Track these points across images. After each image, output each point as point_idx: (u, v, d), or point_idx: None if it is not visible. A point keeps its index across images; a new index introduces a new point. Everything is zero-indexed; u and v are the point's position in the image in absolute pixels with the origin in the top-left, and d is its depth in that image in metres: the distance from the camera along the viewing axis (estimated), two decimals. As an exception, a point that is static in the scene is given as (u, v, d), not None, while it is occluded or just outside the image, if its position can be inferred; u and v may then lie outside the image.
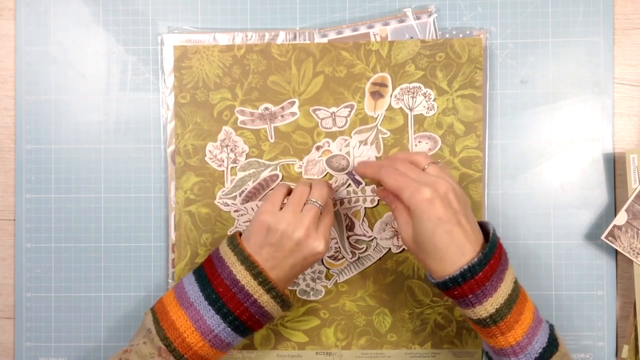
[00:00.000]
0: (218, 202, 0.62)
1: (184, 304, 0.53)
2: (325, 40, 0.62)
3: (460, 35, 0.62)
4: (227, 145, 0.62)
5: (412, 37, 0.62)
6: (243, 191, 0.62)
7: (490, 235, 0.50)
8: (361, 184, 0.62)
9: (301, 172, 0.62)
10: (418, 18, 0.62)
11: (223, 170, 0.62)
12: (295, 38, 0.63)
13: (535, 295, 0.62)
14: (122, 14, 0.64)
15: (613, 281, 0.62)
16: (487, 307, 0.48)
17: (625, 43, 0.62)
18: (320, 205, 0.55)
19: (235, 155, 0.62)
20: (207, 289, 0.53)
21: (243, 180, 0.62)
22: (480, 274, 0.47)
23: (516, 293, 0.50)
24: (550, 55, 0.62)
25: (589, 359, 0.62)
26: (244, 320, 0.53)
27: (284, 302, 0.54)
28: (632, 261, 0.60)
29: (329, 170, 0.62)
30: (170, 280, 0.63)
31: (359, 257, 0.62)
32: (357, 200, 0.62)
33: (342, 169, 0.62)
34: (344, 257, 0.62)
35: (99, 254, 0.64)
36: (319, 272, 0.62)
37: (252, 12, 0.64)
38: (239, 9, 0.64)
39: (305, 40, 0.62)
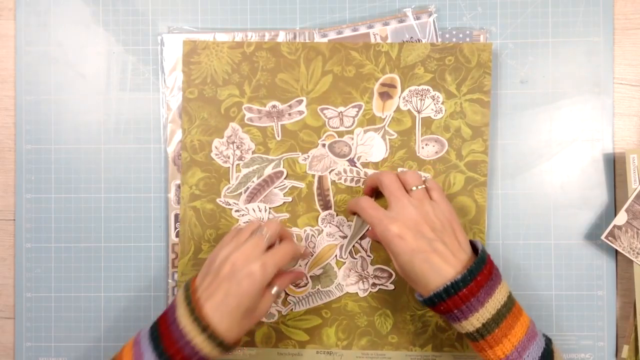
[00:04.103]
0: (220, 202, 0.62)
1: (135, 340, 0.52)
2: (325, 40, 0.62)
3: (460, 35, 0.62)
4: (233, 142, 0.62)
5: (412, 37, 0.62)
6: (248, 188, 0.62)
7: (479, 252, 0.52)
8: (361, 172, 0.62)
9: (306, 165, 0.62)
10: (418, 18, 0.62)
11: (229, 167, 0.62)
12: (295, 38, 0.63)
13: (535, 295, 0.62)
14: (122, 14, 0.64)
15: (613, 281, 0.62)
16: (473, 322, 0.49)
17: (625, 43, 0.62)
18: (266, 234, 0.54)
19: (241, 152, 0.62)
20: (154, 327, 0.51)
21: (247, 177, 0.62)
22: (465, 290, 0.49)
23: (508, 307, 0.51)
24: (550, 55, 0.62)
25: (589, 359, 0.62)
26: None
27: (222, 343, 0.50)
28: (632, 261, 0.60)
29: (330, 155, 0.62)
30: (170, 280, 0.63)
31: (318, 290, 0.62)
32: (352, 180, 0.62)
33: (344, 155, 0.62)
34: (306, 284, 0.62)
35: (99, 254, 0.64)
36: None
37: (252, 12, 0.64)
38: (239, 9, 0.64)
39: (305, 40, 0.62)
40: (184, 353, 0.49)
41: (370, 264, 0.62)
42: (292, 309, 0.62)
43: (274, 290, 0.54)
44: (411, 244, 0.51)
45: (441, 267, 0.50)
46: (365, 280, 0.62)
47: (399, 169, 0.61)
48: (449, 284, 0.49)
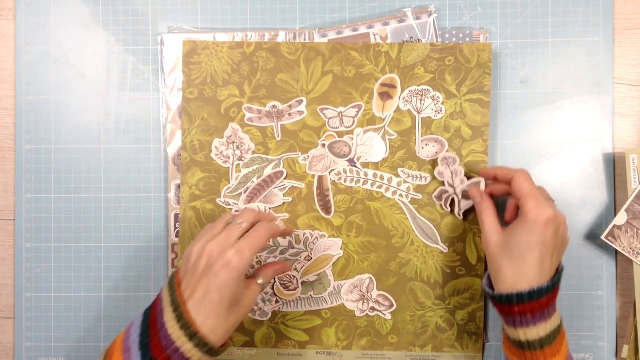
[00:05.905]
0: (220, 202, 0.62)
1: (124, 343, 0.50)
2: (325, 40, 0.62)
3: (460, 36, 0.62)
4: (233, 142, 0.62)
5: (412, 37, 0.62)
6: (248, 188, 0.62)
7: (560, 268, 0.53)
8: (360, 172, 0.62)
9: (306, 165, 0.62)
10: (418, 18, 0.62)
11: (229, 167, 0.62)
12: (295, 38, 0.63)
13: (535, 295, 0.62)
14: (122, 14, 0.64)
15: (613, 281, 0.62)
16: (539, 331, 0.50)
17: (625, 43, 0.62)
18: (243, 224, 0.52)
19: (241, 152, 0.62)
20: (143, 331, 0.49)
21: (247, 177, 0.62)
22: (545, 298, 0.50)
23: (561, 325, 0.52)
24: (550, 55, 0.62)
25: (589, 359, 0.62)
26: None
27: (211, 350, 0.48)
28: (632, 261, 0.60)
29: (330, 155, 0.62)
30: (170, 280, 0.63)
31: (310, 297, 0.62)
32: (352, 180, 0.62)
33: (344, 156, 0.62)
34: (295, 288, 0.62)
35: (99, 254, 0.64)
36: (270, 295, 0.62)
37: (252, 12, 0.64)
38: (239, 9, 0.64)
39: (305, 40, 0.62)
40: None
41: (376, 289, 0.62)
42: (279, 309, 0.62)
43: (260, 280, 0.53)
44: (547, 235, 0.50)
45: (545, 271, 0.51)
46: (366, 301, 0.62)
47: (399, 169, 0.61)
48: (535, 288, 0.50)
